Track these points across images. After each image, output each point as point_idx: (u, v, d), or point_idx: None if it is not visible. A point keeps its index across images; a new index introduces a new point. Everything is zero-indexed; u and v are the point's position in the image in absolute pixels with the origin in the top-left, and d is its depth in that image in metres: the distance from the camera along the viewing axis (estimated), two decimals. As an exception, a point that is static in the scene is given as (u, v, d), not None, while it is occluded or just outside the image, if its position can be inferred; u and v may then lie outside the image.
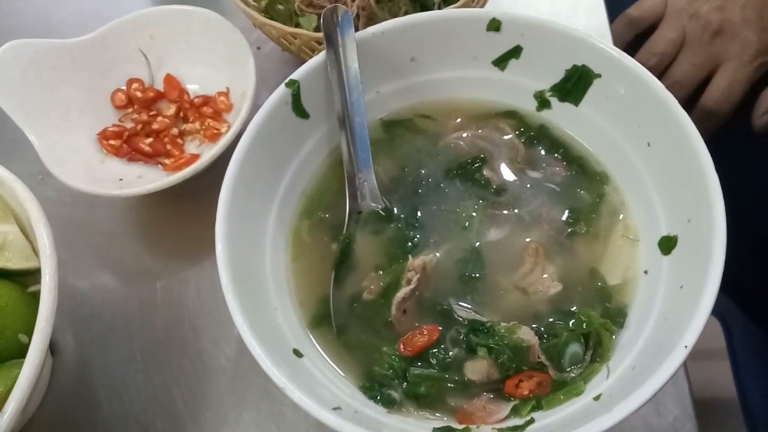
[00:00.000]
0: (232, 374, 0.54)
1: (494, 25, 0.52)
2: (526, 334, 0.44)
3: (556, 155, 0.54)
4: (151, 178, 0.61)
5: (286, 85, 0.50)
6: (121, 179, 0.61)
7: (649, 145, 0.48)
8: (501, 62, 0.54)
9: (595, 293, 0.47)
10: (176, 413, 0.52)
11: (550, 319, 0.46)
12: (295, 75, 0.50)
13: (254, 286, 0.46)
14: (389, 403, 0.44)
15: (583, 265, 0.48)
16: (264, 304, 0.46)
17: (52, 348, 0.56)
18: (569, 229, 0.50)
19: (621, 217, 0.50)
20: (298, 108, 0.52)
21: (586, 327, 0.44)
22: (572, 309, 0.46)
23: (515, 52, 0.53)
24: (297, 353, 0.44)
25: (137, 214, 0.64)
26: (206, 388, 0.53)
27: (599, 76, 0.50)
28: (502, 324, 0.45)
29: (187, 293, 0.58)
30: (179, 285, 0.59)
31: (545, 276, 0.48)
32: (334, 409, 0.39)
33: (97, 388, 0.55)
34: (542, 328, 0.45)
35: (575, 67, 0.51)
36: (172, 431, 0.52)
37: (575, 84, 0.52)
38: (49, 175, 0.57)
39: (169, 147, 0.64)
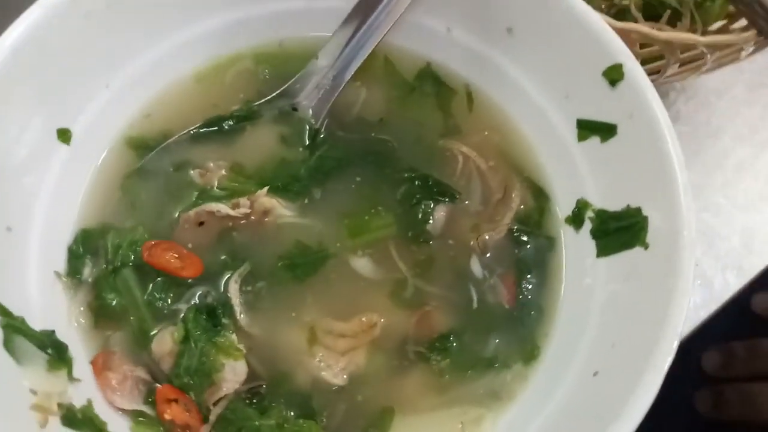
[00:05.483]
0: None
1: (613, 75, 0.33)
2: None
3: (524, 283, 0.36)
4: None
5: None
6: None
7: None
8: (584, 129, 0.36)
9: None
10: None
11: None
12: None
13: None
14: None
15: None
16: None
17: None
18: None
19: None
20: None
21: None
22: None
23: (607, 130, 0.34)
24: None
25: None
26: None
27: (647, 246, 0.30)
28: None
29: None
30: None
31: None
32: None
33: None
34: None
35: (638, 212, 0.31)
36: None
37: (618, 231, 0.32)
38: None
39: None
